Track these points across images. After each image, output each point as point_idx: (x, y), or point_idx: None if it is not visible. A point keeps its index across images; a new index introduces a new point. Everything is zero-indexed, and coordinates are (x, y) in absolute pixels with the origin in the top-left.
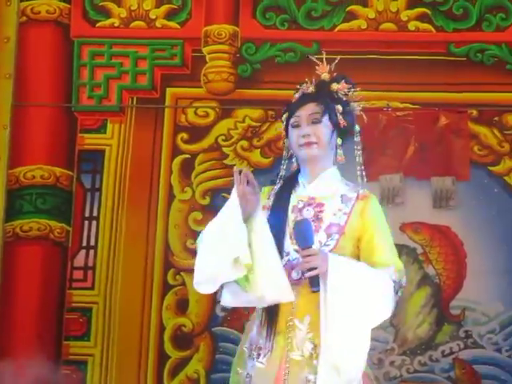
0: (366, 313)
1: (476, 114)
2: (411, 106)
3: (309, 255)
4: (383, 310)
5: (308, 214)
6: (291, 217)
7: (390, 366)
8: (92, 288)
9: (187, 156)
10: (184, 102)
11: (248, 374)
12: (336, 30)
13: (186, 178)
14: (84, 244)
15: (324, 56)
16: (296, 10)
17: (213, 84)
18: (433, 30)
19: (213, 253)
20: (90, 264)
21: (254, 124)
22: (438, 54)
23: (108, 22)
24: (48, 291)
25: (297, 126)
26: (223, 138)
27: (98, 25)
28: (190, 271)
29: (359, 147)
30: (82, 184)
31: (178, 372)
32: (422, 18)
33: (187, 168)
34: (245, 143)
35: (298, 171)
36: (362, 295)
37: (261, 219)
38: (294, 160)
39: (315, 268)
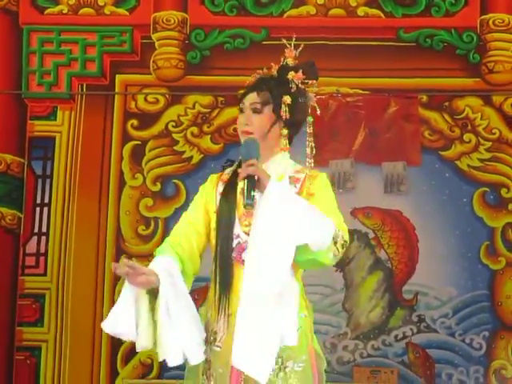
0: (293, 231)
1: (426, 100)
2: (361, 91)
3: (252, 164)
4: (314, 233)
5: (257, 196)
6: (240, 199)
7: (343, 350)
8: (44, 274)
9: (138, 142)
10: (134, 88)
11: (206, 359)
12: (285, 15)
13: (137, 165)
14: (36, 230)
15: (293, 42)
16: None
17: (162, 70)
18: (382, 15)
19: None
20: (42, 250)
21: (203, 110)
22: (387, 40)
23: (57, 8)
24: (0, 278)
25: (242, 111)
26: (173, 124)
27: (46, 12)
28: (142, 257)
29: (310, 138)
30: (33, 171)
31: (131, 357)
32: (370, 3)
33: (138, 154)
34: (195, 129)
35: None
36: (295, 213)
37: (163, 289)
38: None
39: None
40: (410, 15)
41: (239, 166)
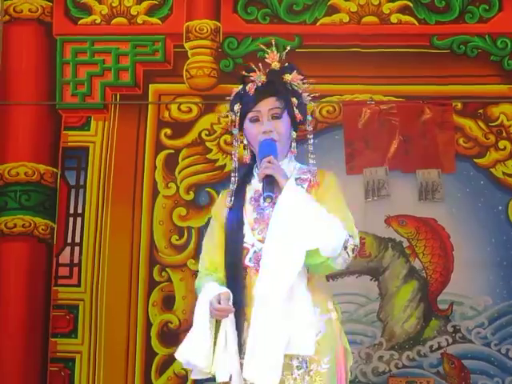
0: (305, 235)
1: (460, 107)
2: (395, 99)
3: (269, 161)
4: (326, 238)
5: (265, 202)
6: (249, 208)
7: (378, 361)
8: (78, 285)
9: (171, 151)
10: (167, 97)
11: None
12: (318, 23)
13: (170, 174)
14: (69, 241)
15: (273, 41)
16: (277, 3)
17: (195, 79)
18: (415, 22)
19: None
20: (76, 261)
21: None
22: (421, 47)
23: (90, 19)
24: (33, 288)
25: (256, 120)
26: (206, 132)
27: (79, 22)
28: (176, 267)
29: (311, 136)
30: (67, 181)
31: (165, 368)
32: (404, 10)
33: (171, 163)
34: (228, 138)
35: (253, 163)
36: (308, 218)
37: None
38: (247, 152)
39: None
40: (443, 22)
41: (242, 176)
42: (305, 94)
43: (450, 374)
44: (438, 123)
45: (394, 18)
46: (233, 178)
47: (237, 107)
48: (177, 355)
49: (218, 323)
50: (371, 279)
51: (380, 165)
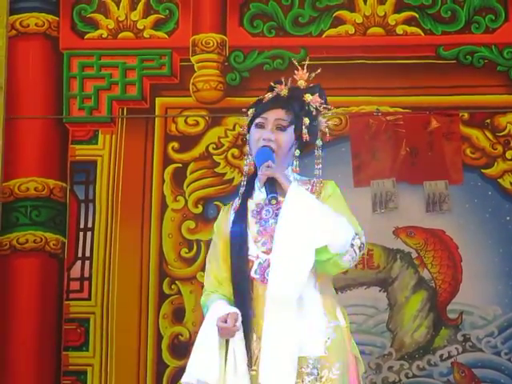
0: (313, 233)
1: (467, 117)
2: (401, 110)
3: (268, 166)
4: (334, 234)
5: (267, 214)
6: (252, 221)
7: (388, 371)
8: (89, 298)
9: (179, 165)
10: (174, 111)
11: None
12: (324, 35)
13: (178, 187)
14: (80, 255)
15: (306, 62)
16: (283, 16)
17: (202, 93)
18: (421, 33)
19: None
20: (86, 275)
21: (244, 132)
22: (427, 58)
23: (96, 33)
24: (45, 302)
25: (261, 127)
26: (214, 146)
27: (86, 36)
28: (185, 280)
29: (319, 161)
30: (76, 195)
31: (176, 380)
32: (409, 21)
33: (179, 177)
34: (235, 151)
35: (255, 174)
36: (315, 216)
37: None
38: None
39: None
40: (449, 32)
41: (248, 189)
42: (322, 119)
43: (460, 383)
44: (444, 134)
45: (399, 29)
46: (244, 182)
47: (250, 112)
48: (186, 378)
49: (227, 342)
50: (380, 290)
51: (387, 177)
